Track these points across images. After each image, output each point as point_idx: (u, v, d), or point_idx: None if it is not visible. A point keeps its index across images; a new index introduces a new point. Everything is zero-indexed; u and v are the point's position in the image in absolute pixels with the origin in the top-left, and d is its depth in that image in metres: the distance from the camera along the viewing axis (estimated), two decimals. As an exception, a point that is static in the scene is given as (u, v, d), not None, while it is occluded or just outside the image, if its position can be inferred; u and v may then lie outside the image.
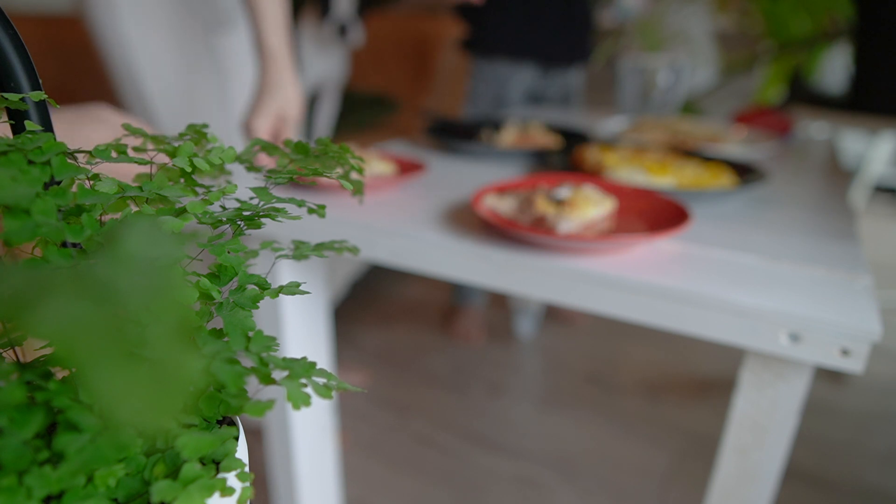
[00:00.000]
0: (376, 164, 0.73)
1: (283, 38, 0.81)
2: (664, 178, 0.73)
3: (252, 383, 0.22)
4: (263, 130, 0.79)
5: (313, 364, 0.23)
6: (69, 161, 0.24)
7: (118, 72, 0.91)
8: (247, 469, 0.23)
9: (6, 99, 0.25)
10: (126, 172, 0.45)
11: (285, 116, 0.82)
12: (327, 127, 1.93)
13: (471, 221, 0.61)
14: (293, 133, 0.84)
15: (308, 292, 0.28)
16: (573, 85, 1.62)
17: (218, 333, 0.24)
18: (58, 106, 0.26)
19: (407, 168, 0.77)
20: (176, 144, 0.29)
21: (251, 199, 0.30)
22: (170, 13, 0.91)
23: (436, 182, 0.76)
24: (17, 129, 0.26)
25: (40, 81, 0.26)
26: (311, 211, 0.31)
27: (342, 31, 1.67)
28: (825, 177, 0.89)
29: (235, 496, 0.21)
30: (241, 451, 0.23)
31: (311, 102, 1.86)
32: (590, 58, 1.62)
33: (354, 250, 0.34)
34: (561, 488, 1.16)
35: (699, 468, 1.21)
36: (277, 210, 0.28)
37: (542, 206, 0.56)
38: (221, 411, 0.23)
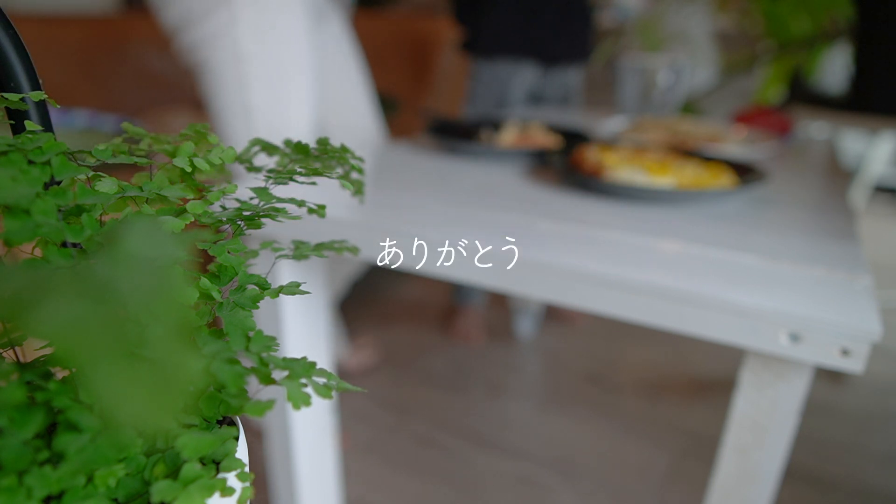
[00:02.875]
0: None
1: None
2: (664, 178, 0.73)
3: (252, 383, 0.22)
4: None
5: (313, 364, 0.23)
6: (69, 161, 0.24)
7: (226, 83, 0.94)
8: (247, 469, 0.23)
9: (6, 99, 0.25)
10: None
11: None
12: None
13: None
14: None
15: (308, 292, 0.28)
16: (572, 84, 1.62)
17: (218, 333, 0.24)
18: (57, 106, 0.26)
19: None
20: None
21: (251, 199, 0.30)
22: (287, 25, 0.94)
23: (435, 182, 0.76)
24: (17, 129, 0.26)
25: (40, 81, 0.26)
26: (311, 211, 0.31)
27: None
28: (825, 177, 0.89)
29: (235, 496, 0.21)
30: (241, 451, 0.23)
31: None
32: (590, 56, 1.62)
33: (354, 250, 0.34)
34: (561, 488, 1.16)
35: (699, 468, 1.21)
36: (277, 210, 0.28)
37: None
38: (221, 411, 0.23)
